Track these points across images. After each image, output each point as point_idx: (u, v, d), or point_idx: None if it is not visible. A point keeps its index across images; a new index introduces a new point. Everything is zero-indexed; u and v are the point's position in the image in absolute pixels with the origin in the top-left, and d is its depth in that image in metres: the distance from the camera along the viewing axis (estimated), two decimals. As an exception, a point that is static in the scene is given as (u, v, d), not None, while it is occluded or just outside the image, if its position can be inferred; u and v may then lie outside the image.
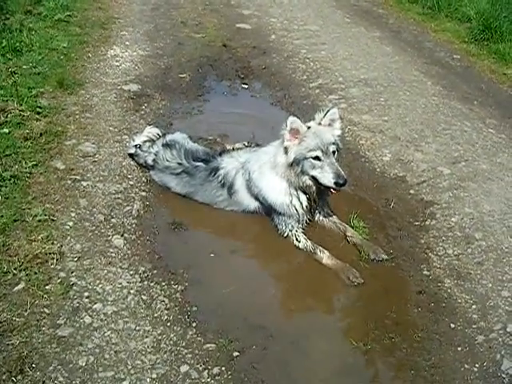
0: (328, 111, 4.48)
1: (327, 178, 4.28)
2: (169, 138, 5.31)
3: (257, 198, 4.73)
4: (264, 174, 4.65)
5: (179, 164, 5.01)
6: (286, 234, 4.60)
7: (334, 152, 4.35)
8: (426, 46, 8.91)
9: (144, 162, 5.27)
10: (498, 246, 4.49)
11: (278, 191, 4.58)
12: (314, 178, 4.39)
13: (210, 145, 5.62)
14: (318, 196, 4.60)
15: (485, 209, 4.93)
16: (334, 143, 4.36)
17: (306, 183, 4.46)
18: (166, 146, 5.18)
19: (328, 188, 4.37)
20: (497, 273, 4.23)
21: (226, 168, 4.87)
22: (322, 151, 4.28)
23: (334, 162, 4.31)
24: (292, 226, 4.59)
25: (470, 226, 4.73)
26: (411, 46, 8.90)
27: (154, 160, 5.16)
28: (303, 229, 4.65)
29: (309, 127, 4.38)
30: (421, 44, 9.01)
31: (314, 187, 4.48)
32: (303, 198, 4.58)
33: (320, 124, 4.46)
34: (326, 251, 4.41)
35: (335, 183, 4.25)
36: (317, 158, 4.30)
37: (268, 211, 4.72)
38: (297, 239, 4.56)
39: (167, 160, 5.07)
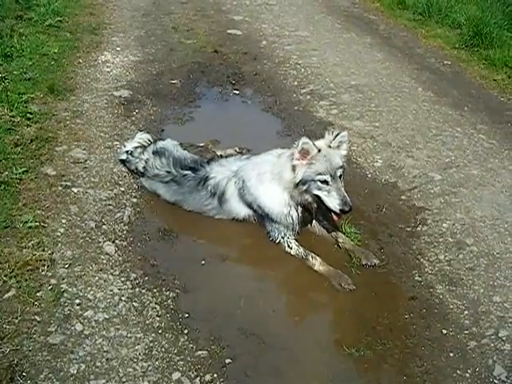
0: (338, 134, 4.44)
1: (333, 203, 4.28)
2: (159, 145, 5.29)
3: (250, 206, 4.71)
4: (263, 182, 4.62)
5: (168, 172, 4.99)
6: (277, 241, 4.60)
7: (340, 176, 4.35)
8: (417, 52, 8.95)
9: (135, 169, 5.26)
10: (489, 252, 4.51)
11: (278, 202, 4.56)
12: (318, 197, 4.38)
13: (200, 152, 5.58)
14: (318, 211, 4.60)
15: (476, 214, 4.95)
16: (341, 167, 4.36)
17: (309, 200, 4.46)
18: (156, 153, 5.16)
19: (332, 212, 4.36)
20: (488, 278, 4.24)
21: (216, 178, 4.83)
22: (331, 175, 4.28)
23: (340, 187, 4.31)
24: (284, 234, 4.58)
25: (462, 232, 4.74)
26: (402, 52, 8.94)
27: (144, 167, 5.15)
28: (295, 236, 4.64)
29: (319, 150, 4.33)
30: (411, 50, 9.05)
31: (315, 204, 4.48)
32: (300, 209, 4.58)
33: (330, 147, 4.41)
34: (317, 257, 4.41)
35: (340, 210, 4.27)
36: (325, 181, 4.29)
37: (260, 218, 4.71)
38: (289, 246, 4.55)
39: (156, 168, 5.06)
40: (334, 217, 4.41)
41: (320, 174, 4.28)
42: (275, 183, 4.57)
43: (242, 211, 4.78)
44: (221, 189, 4.79)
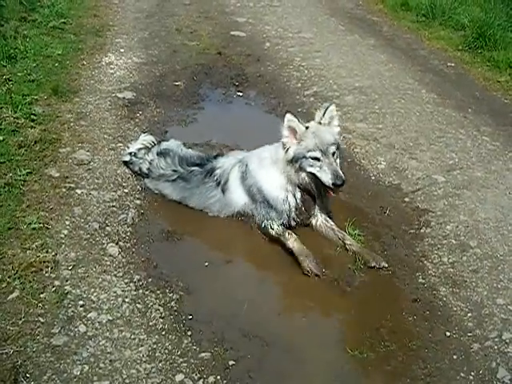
0: (326, 109, 4.50)
1: (325, 178, 4.32)
2: (163, 146, 5.32)
3: (249, 191, 4.73)
4: (264, 166, 4.69)
5: (174, 171, 5.03)
6: (262, 225, 4.64)
7: (333, 153, 4.37)
8: (420, 54, 8.94)
9: (139, 170, 5.27)
10: (493, 254, 4.50)
11: (276, 185, 4.61)
12: (313, 175, 4.41)
13: (205, 151, 5.61)
14: (318, 193, 4.61)
15: (480, 216, 4.94)
16: (333, 143, 4.38)
17: (305, 180, 4.49)
18: (161, 154, 5.19)
19: (326, 187, 4.40)
20: (492, 280, 4.23)
21: (223, 166, 4.91)
22: (322, 151, 4.31)
23: (332, 162, 4.34)
24: (271, 218, 4.62)
25: (465, 234, 4.74)
26: (405, 53, 8.93)
27: (148, 168, 5.17)
28: (284, 222, 4.65)
29: (307, 127, 4.39)
30: (415, 52, 9.04)
31: (313, 184, 4.51)
32: (299, 195, 4.60)
33: (320, 123, 4.47)
34: (293, 234, 4.46)
35: (333, 184, 4.29)
36: (316, 158, 4.33)
37: (255, 205, 4.73)
38: (271, 227, 4.59)
39: (161, 168, 5.09)
40: (329, 193, 4.47)
41: (310, 150, 4.33)
42: (274, 167, 4.63)
43: (241, 199, 4.79)
44: (225, 176, 4.85)
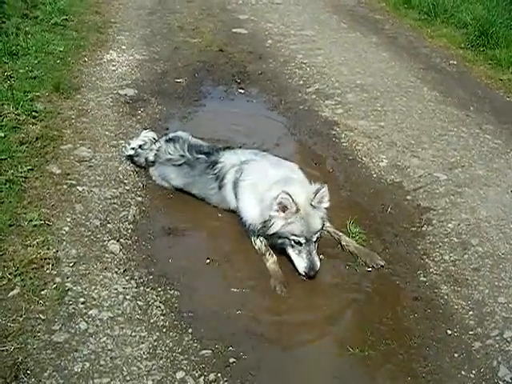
0: (318, 190, 4.28)
1: (300, 265, 4.25)
2: (172, 134, 5.42)
3: (236, 198, 4.72)
4: (251, 191, 4.59)
5: (181, 156, 5.09)
6: (248, 236, 4.61)
7: (317, 239, 4.30)
8: (423, 52, 8.92)
9: (144, 160, 5.32)
10: (494, 252, 4.49)
11: (256, 218, 4.49)
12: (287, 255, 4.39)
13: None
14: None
15: (481, 215, 4.93)
16: (319, 230, 4.29)
17: (278, 247, 4.45)
18: (170, 140, 5.28)
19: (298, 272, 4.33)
20: (493, 279, 4.23)
21: (224, 163, 4.89)
22: (306, 238, 4.22)
23: (312, 250, 4.24)
24: (253, 232, 4.56)
25: (467, 232, 4.73)
26: (407, 51, 8.92)
27: (155, 155, 5.23)
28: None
29: (298, 210, 4.18)
30: (417, 50, 9.02)
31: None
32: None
33: (311, 205, 4.26)
34: (274, 256, 4.43)
35: (305, 273, 4.23)
36: (298, 242, 4.24)
37: (239, 213, 4.73)
38: (254, 242, 4.56)
39: (169, 153, 5.15)
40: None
41: (295, 235, 4.22)
42: (258, 203, 4.49)
43: (233, 201, 4.78)
44: (223, 173, 4.83)
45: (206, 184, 4.93)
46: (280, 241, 4.35)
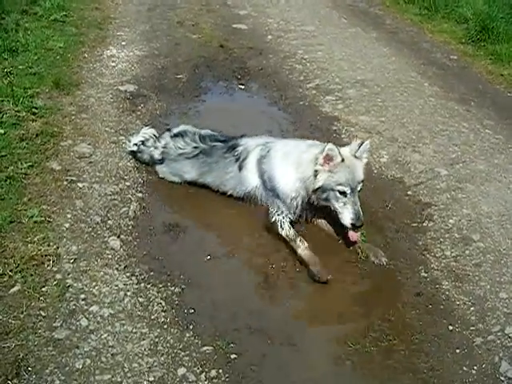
0: (362, 143, 4.40)
1: (346, 216, 4.27)
2: (176, 129, 5.39)
3: (261, 176, 4.75)
4: (285, 162, 4.64)
5: (195, 148, 5.10)
6: (273, 219, 4.63)
7: (359, 190, 4.34)
8: (423, 47, 8.91)
9: (149, 158, 5.30)
10: (495, 248, 4.49)
11: (290, 185, 4.57)
12: (331, 209, 4.40)
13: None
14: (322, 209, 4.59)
15: (482, 210, 4.92)
16: (362, 181, 4.34)
17: (321, 205, 4.47)
18: (176, 136, 5.26)
19: (344, 225, 4.35)
20: (495, 274, 4.23)
21: (246, 144, 4.95)
22: (351, 188, 4.25)
23: (357, 201, 4.28)
24: (281, 212, 4.61)
25: (468, 228, 4.73)
26: (408, 46, 8.90)
27: (162, 153, 5.21)
28: (292, 219, 4.65)
29: (343, 159, 4.26)
30: (418, 45, 9.01)
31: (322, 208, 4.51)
32: (306, 200, 4.58)
33: (355, 157, 4.37)
34: (305, 242, 4.41)
35: (352, 224, 4.26)
36: (344, 193, 4.26)
37: (265, 193, 4.77)
38: (281, 226, 4.56)
39: (179, 148, 5.15)
40: (350, 234, 4.39)
41: (341, 184, 4.25)
42: (294, 169, 4.57)
43: (253, 180, 4.81)
44: (245, 153, 4.88)
45: (224, 169, 4.93)
46: (324, 195, 4.35)
